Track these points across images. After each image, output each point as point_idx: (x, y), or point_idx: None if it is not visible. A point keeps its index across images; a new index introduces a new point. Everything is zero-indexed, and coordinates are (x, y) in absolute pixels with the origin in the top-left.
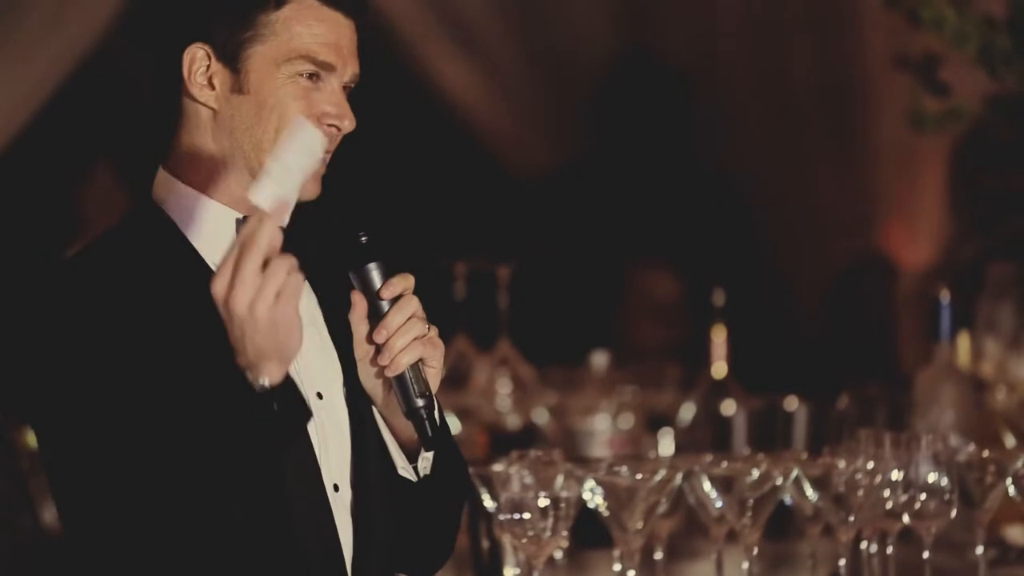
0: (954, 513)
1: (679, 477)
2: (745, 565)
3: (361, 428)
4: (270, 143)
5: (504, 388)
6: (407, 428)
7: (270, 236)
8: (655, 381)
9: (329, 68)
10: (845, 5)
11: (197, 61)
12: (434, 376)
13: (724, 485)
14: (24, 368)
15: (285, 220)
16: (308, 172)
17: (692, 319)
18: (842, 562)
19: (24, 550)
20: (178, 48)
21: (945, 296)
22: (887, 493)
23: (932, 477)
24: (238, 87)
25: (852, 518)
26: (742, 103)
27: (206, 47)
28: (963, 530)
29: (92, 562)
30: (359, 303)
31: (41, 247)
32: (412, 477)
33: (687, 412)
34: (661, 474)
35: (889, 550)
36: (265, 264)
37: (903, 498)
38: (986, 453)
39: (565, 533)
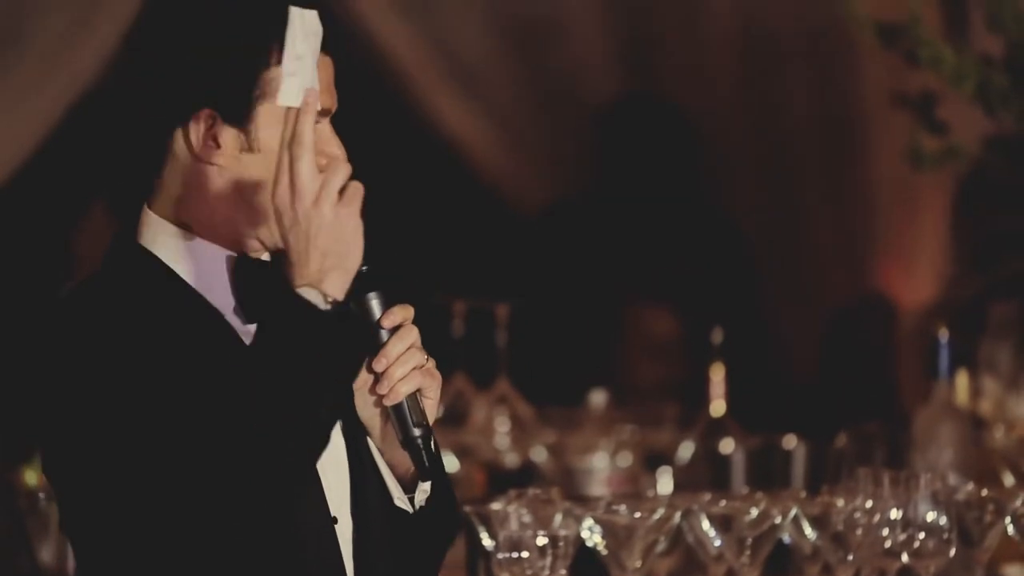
0: (953, 552)
1: (678, 516)
2: None
3: (359, 459)
4: (280, 196)
5: (502, 426)
6: (404, 460)
7: (311, 128)
8: (653, 420)
9: (326, 113)
10: (843, 43)
11: (203, 124)
12: (431, 407)
13: (723, 524)
14: (35, 405)
15: (319, 105)
16: (317, 53)
17: (690, 358)
18: None
19: None
20: (180, 115)
21: (944, 335)
22: (886, 532)
23: (931, 516)
24: (247, 146)
25: (851, 557)
26: (739, 141)
27: (211, 111)
28: (962, 569)
29: None
30: None
31: (36, 285)
32: (408, 508)
33: (686, 450)
34: (660, 513)
35: None
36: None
37: (902, 537)
38: (985, 492)
39: (564, 572)
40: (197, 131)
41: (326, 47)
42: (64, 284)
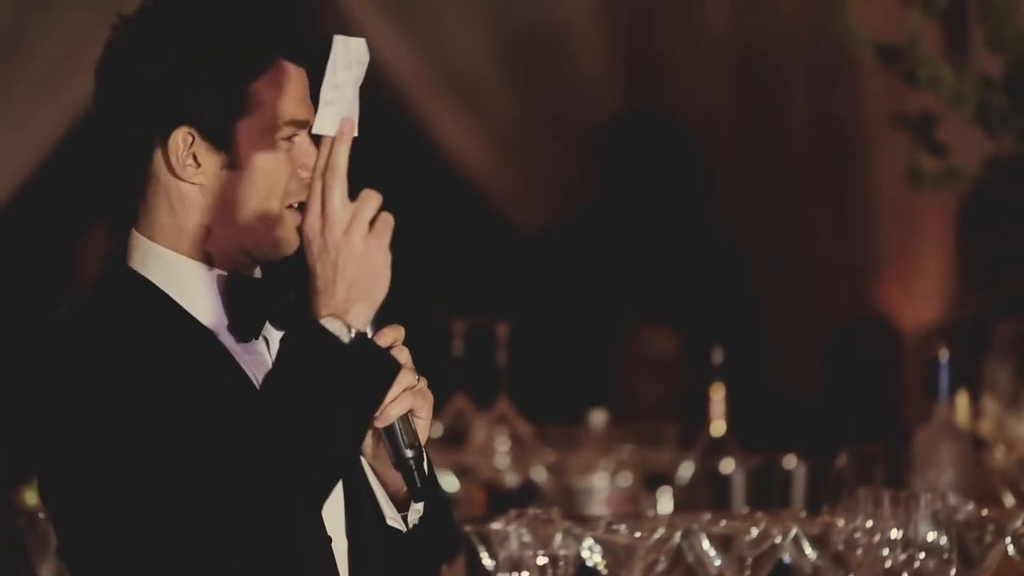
0: (953, 572)
1: (678, 535)
2: None
3: (353, 479)
4: (265, 211)
5: (502, 446)
6: (396, 479)
7: (345, 157)
8: (653, 439)
9: (306, 124)
10: (842, 63)
11: (181, 143)
12: (423, 427)
13: (723, 543)
14: (32, 429)
15: (355, 133)
16: (360, 80)
17: (691, 377)
18: None
19: None
20: (157, 133)
21: (944, 355)
22: (886, 552)
23: (931, 536)
24: (228, 163)
25: None
26: (740, 161)
27: (190, 128)
28: None
29: None
30: None
31: (37, 302)
32: (402, 527)
33: (686, 470)
34: (660, 532)
35: None
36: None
37: (902, 557)
38: (985, 512)
39: None
40: (176, 151)
41: (303, 59)
42: (64, 302)
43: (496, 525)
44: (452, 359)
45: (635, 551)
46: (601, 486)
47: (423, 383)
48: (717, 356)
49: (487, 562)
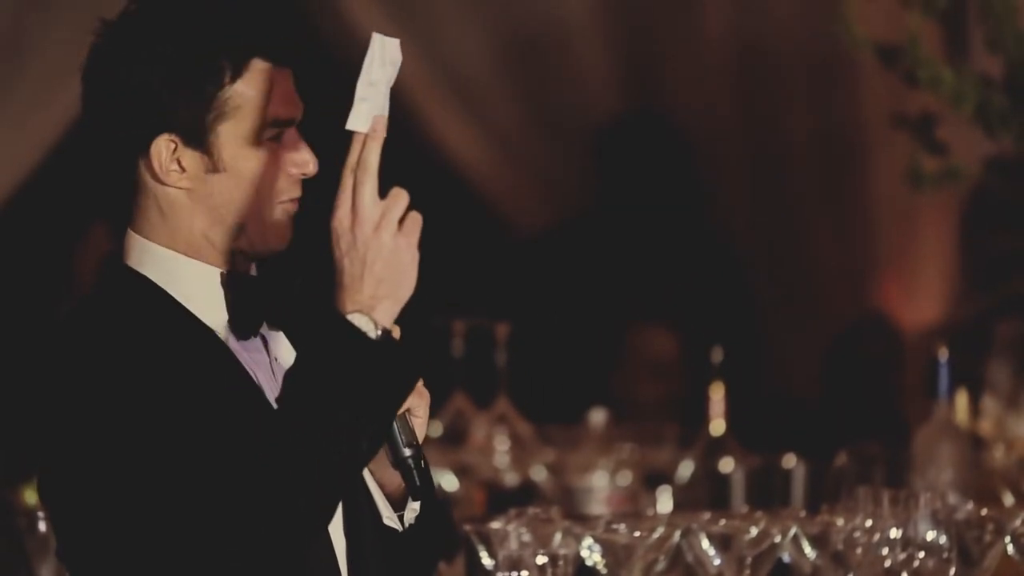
0: (953, 572)
1: (677, 534)
2: None
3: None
4: (253, 210)
5: (502, 445)
6: (393, 478)
7: (377, 156)
8: (653, 438)
9: (290, 123)
10: (843, 64)
11: (164, 150)
12: (420, 426)
13: (722, 543)
14: (33, 430)
15: (385, 133)
16: (392, 81)
17: (690, 377)
18: None
19: None
20: (140, 140)
21: (943, 354)
22: (885, 551)
23: (931, 535)
24: (212, 167)
25: None
26: (740, 161)
27: (171, 136)
28: None
29: None
30: None
31: (38, 302)
32: (398, 527)
33: (685, 469)
34: (659, 531)
35: None
36: None
37: (902, 556)
38: (985, 511)
39: None
40: (159, 157)
41: (284, 58)
42: (64, 302)
43: (496, 524)
44: (452, 359)
45: (634, 550)
46: (600, 485)
47: (419, 381)
48: (717, 355)
49: (487, 561)
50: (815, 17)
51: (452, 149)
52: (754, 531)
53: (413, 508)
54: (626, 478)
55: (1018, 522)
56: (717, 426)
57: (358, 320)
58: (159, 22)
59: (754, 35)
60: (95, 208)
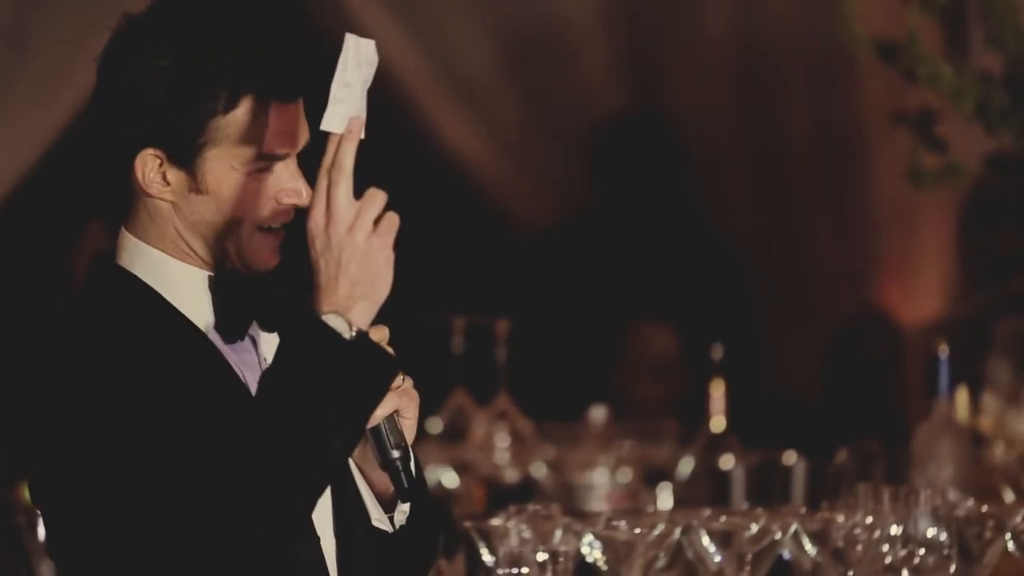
0: (953, 568)
1: (677, 531)
2: None
3: (342, 479)
4: (234, 233)
5: (502, 442)
6: (383, 480)
7: (352, 157)
8: (653, 435)
9: (283, 158)
10: (843, 64)
11: (149, 164)
12: (410, 427)
13: (723, 539)
14: (27, 429)
15: (362, 134)
16: (369, 82)
17: (690, 374)
18: None
19: None
20: (128, 154)
21: (943, 351)
22: (886, 548)
23: (931, 532)
24: (195, 187)
25: (851, 573)
26: (740, 159)
27: (157, 151)
28: None
29: None
30: None
31: (35, 304)
32: (387, 528)
33: (685, 466)
34: (659, 528)
35: None
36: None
37: (902, 553)
38: (985, 508)
39: None
40: (143, 168)
41: (291, 94)
42: (62, 300)
43: (496, 521)
44: (452, 356)
45: (635, 547)
46: (601, 482)
47: (409, 383)
48: (717, 352)
49: (487, 558)
50: (815, 17)
51: (453, 147)
52: (754, 528)
53: (403, 510)
54: (626, 475)
55: (1018, 519)
56: (717, 423)
57: (333, 321)
58: (169, 35)
59: (754, 35)
60: (93, 206)
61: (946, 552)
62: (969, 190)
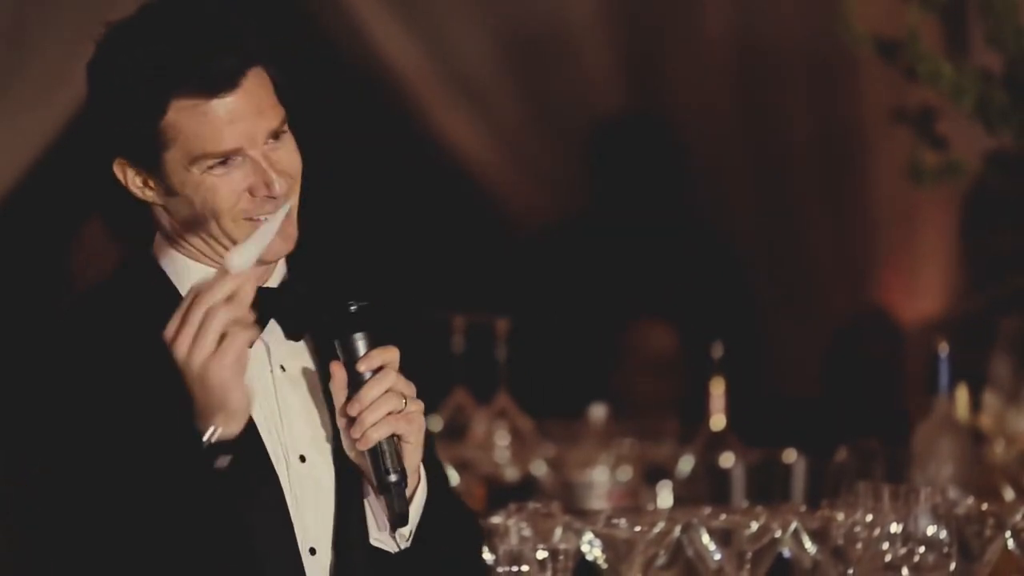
0: (953, 566)
1: (677, 529)
2: None
3: (349, 493)
4: (219, 230)
5: (502, 440)
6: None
7: (225, 290)
8: (653, 434)
9: (235, 152)
10: (843, 63)
11: (127, 171)
12: (411, 452)
13: (723, 538)
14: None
15: (252, 287)
16: (269, 238)
17: (690, 372)
18: None
19: None
20: (108, 162)
21: (944, 349)
22: (886, 546)
23: (931, 530)
24: (168, 190)
25: (851, 571)
26: (740, 158)
27: (122, 159)
28: None
29: None
30: (337, 373)
31: (33, 298)
32: (389, 548)
33: (685, 464)
34: (659, 526)
35: None
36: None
37: (902, 551)
38: (985, 506)
39: None
40: (123, 175)
41: (221, 86)
42: (61, 298)
43: (496, 519)
44: (452, 354)
45: (635, 545)
46: (601, 480)
47: (414, 406)
48: (717, 350)
49: (487, 556)
50: (815, 16)
51: (454, 146)
52: (754, 526)
53: (402, 533)
54: (626, 473)
55: (1018, 517)
56: (717, 421)
57: (199, 423)
58: (118, 46)
59: (754, 35)
60: (91, 205)
61: (946, 550)
62: (969, 188)
